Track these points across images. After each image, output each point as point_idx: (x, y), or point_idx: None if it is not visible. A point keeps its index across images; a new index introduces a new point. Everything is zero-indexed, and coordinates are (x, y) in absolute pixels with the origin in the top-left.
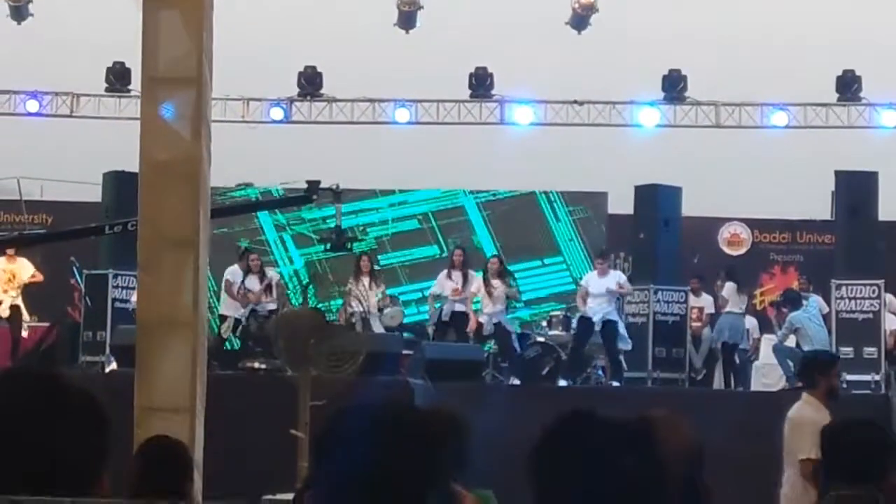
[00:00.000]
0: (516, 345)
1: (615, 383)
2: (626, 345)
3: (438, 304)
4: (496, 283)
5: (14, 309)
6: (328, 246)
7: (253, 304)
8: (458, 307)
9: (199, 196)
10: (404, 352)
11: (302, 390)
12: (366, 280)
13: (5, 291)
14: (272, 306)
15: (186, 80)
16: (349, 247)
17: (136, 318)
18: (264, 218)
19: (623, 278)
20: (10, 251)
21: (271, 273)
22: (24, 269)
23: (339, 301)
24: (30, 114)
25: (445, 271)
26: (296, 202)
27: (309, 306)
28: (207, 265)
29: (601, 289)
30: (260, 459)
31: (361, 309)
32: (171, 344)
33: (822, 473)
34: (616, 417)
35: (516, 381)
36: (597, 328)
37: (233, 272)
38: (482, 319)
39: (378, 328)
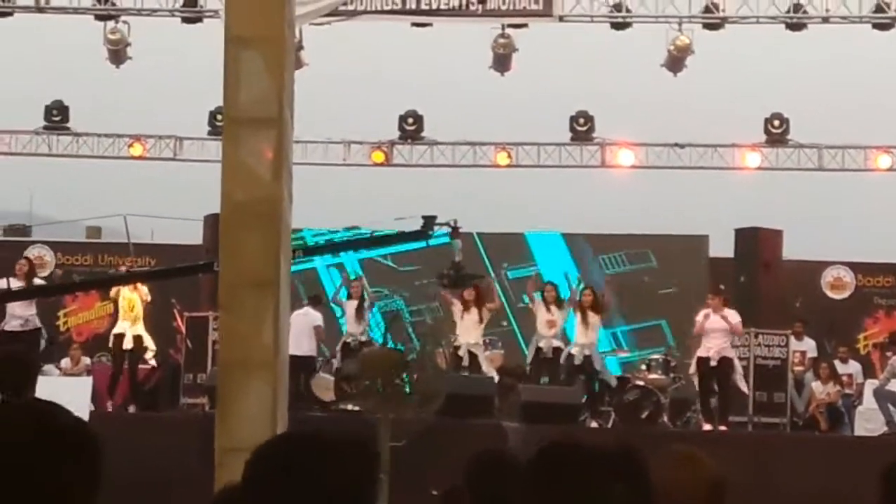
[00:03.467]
0: (600, 381)
1: (722, 427)
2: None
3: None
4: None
5: (136, 340)
6: (446, 282)
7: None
8: (556, 343)
9: (279, 237)
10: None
11: (382, 430)
12: (473, 314)
13: (123, 319)
14: (364, 338)
15: (267, 120)
16: (468, 284)
17: (218, 358)
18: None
19: (738, 318)
20: None
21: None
22: (141, 296)
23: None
24: (134, 157)
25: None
26: (412, 237)
27: (389, 346)
28: (288, 305)
29: (717, 325)
30: None
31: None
32: (251, 384)
33: None
34: (600, 447)
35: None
36: (713, 363)
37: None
38: (574, 351)
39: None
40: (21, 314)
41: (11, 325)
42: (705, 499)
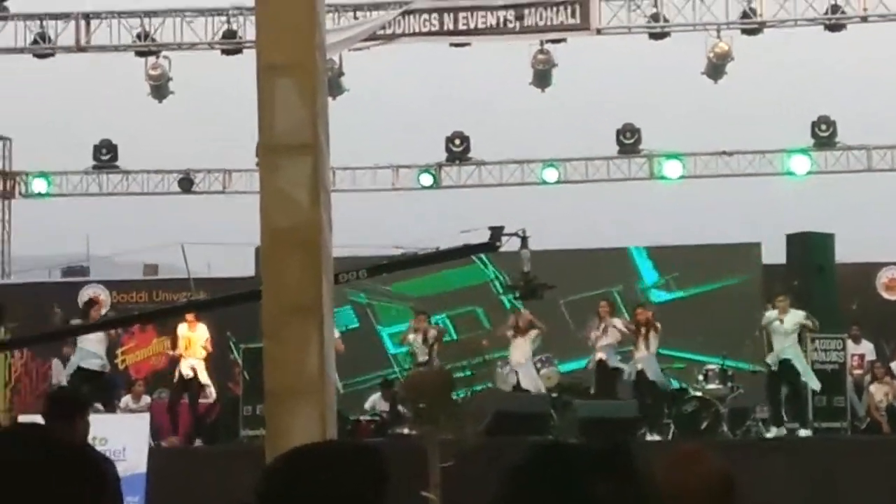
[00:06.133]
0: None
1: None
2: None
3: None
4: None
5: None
6: (517, 294)
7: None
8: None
9: (320, 262)
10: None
11: (431, 452)
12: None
13: (183, 357)
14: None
15: (302, 146)
16: (540, 294)
17: (265, 387)
18: None
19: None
20: (191, 317)
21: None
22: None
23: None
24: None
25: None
26: (480, 250)
27: (436, 367)
28: (333, 331)
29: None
30: None
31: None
32: (298, 412)
33: None
34: (589, 446)
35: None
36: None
37: None
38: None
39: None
40: (98, 353)
41: (90, 363)
42: (714, 496)
